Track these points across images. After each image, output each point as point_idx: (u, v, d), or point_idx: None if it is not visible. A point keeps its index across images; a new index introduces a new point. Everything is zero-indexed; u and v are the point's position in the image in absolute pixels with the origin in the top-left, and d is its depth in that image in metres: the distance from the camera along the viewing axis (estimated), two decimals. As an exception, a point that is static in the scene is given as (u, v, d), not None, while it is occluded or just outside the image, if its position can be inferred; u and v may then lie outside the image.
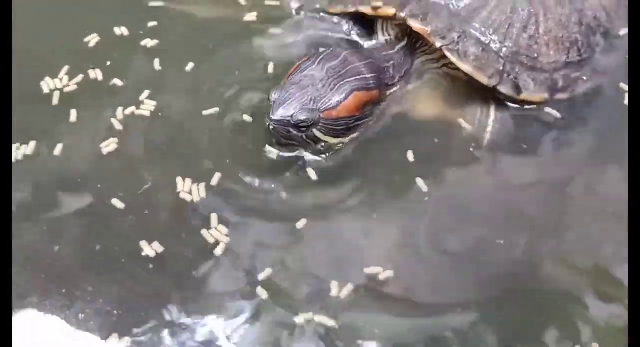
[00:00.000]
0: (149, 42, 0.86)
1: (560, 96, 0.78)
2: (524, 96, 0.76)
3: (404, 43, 0.80)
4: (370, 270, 0.67)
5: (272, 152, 0.74)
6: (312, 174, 0.73)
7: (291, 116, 0.69)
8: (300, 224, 0.70)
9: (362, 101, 0.73)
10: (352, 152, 0.76)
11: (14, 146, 0.76)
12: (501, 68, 0.75)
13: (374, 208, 0.72)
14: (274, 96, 0.71)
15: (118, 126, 0.78)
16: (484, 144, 0.76)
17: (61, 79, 0.82)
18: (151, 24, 0.88)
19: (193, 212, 0.72)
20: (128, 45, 0.86)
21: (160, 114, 0.79)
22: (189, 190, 0.72)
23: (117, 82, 0.82)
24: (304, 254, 0.69)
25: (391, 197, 0.73)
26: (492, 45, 0.76)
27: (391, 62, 0.79)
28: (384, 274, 0.67)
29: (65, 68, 0.82)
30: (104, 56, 0.84)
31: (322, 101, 0.71)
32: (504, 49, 0.76)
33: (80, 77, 0.82)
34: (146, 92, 0.81)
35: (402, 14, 0.77)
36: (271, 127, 0.70)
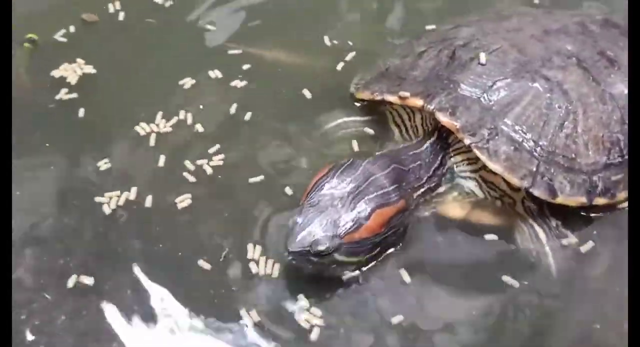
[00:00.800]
0: (238, 83, 0.89)
1: (600, 200, 0.72)
2: (559, 200, 0.70)
3: (433, 138, 0.75)
4: None
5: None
6: (406, 277, 0.70)
7: (310, 246, 0.64)
8: (396, 319, 0.67)
9: (385, 218, 0.68)
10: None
11: (114, 193, 0.77)
12: (534, 169, 0.70)
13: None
14: (291, 222, 0.66)
15: (191, 179, 0.79)
16: (554, 272, 0.71)
17: (157, 124, 0.84)
18: (245, 66, 0.91)
19: (281, 287, 0.70)
20: (220, 87, 0.89)
21: (219, 176, 0.79)
22: (257, 258, 0.71)
23: (199, 127, 0.84)
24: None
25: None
26: (526, 144, 0.71)
27: (418, 163, 0.73)
28: None
29: (160, 113, 0.85)
30: (197, 99, 0.88)
31: (342, 225, 0.65)
32: (539, 148, 0.71)
33: (175, 119, 0.85)
34: (217, 146, 0.82)
35: (430, 107, 0.73)
36: (289, 257, 0.65)
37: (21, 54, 0.93)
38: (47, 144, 0.83)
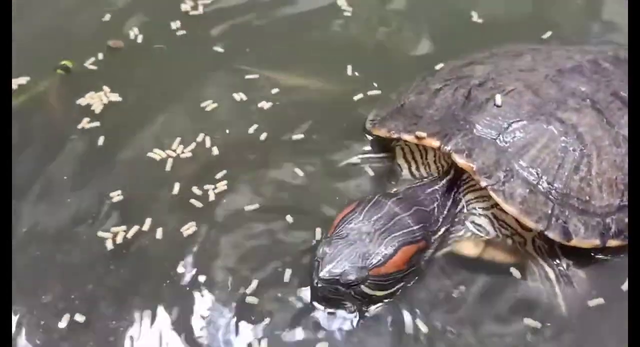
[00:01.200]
0: (265, 105, 0.92)
1: (613, 242, 0.73)
2: (573, 242, 0.72)
3: (449, 176, 0.77)
4: None
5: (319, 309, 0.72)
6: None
7: (340, 275, 0.67)
8: None
9: (409, 255, 0.71)
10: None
11: (121, 228, 0.78)
12: (549, 211, 0.72)
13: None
14: (321, 252, 0.69)
15: (197, 204, 0.81)
16: (564, 313, 0.72)
17: (174, 149, 0.86)
18: (274, 90, 0.94)
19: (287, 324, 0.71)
20: (244, 111, 0.92)
21: (224, 201, 0.81)
22: (257, 294, 0.73)
23: (215, 150, 0.86)
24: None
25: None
26: (541, 186, 0.72)
27: (435, 203, 0.75)
28: None
29: (179, 139, 0.87)
30: (222, 122, 0.90)
31: (370, 258, 0.69)
32: (553, 191, 0.72)
33: (193, 145, 0.87)
34: (223, 172, 0.84)
35: (447, 148, 0.74)
36: (319, 284, 0.68)
37: (54, 80, 0.96)
38: (65, 177, 0.84)
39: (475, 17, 1.04)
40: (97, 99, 0.92)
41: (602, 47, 0.92)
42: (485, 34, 1.01)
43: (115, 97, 0.93)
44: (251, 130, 0.89)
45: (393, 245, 0.70)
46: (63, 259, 0.76)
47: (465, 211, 0.77)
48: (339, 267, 0.68)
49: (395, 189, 0.79)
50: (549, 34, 1.00)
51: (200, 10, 1.06)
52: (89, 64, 0.98)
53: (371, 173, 0.85)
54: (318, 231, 0.77)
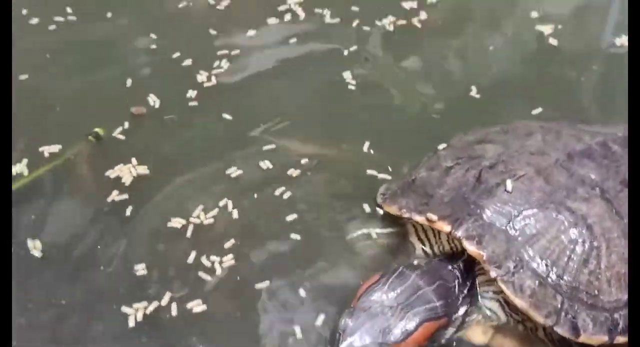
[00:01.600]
0: (293, 172, 0.92)
1: (620, 339, 0.73)
2: (582, 339, 0.71)
3: (464, 257, 0.77)
4: None
5: None
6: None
7: None
8: None
9: (430, 331, 0.71)
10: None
11: (142, 304, 0.77)
12: (559, 306, 0.71)
13: None
14: (343, 324, 0.69)
15: (206, 277, 0.81)
16: None
17: (198, 216, 0.86)
18: (304, 161, 0.94)
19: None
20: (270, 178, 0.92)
21: (238, 278, 0.81)
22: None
23: (235, 213, 0.86)
24: None
25: None
26: (550, 279, 0.72)
27: (457, 281, 0.76)
28: None
29: (201, 206, 0.88)
30: (248, 188, 0.91)
31: (390, 333, 0.69)
32: (563, 284, 0.72)
33: (215, 211, 0.87)
34: (232, 241, 0.84)
35: (458, 234, 0.74)
36: None
37: (84, 148, 0.96)
38: (99, 246, 0.84)
39: (474, 91, 1.06)
40: (126, 171, 0.92)
41: (612, 128, 0.93)
42: (485, 111, 1.03)
43: (143, 170, 0.93)
44: (277, 192, 0.90)
45: (415, 320, 0.70)
46: (88, 333, 0.76)
47: (478, 292, 0.77)
48: (359, 342, 0.68)
49: (417, 261, 0.79)
50: (539, 110, 1.02)
51: (214, 81, 1.07)
52: (117, 133, 0.98)
53: (382, 247, 0.85)
54: (321, 317, 0.78)
